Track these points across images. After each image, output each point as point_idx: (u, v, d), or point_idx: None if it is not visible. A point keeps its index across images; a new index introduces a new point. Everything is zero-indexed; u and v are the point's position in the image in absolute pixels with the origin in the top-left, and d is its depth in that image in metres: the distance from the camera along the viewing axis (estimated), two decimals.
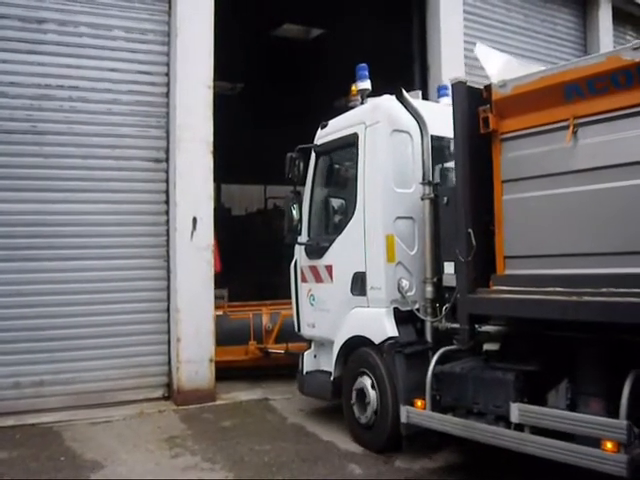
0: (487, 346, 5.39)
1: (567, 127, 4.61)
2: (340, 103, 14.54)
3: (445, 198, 5.81)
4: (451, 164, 6.33)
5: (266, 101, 14.53)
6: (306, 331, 7.02)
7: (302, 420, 7.25)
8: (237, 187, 17.83)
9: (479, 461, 5.68)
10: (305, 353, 7.01)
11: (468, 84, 5.27)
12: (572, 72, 4.61)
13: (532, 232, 4.91)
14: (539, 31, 11.52)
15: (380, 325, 5.96)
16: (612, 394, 4.54)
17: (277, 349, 8.43)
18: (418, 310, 5.94)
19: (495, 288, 5.08)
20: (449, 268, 5.77)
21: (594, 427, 4.37)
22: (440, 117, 6.17)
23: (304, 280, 6.98)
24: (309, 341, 7.17)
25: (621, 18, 12.46)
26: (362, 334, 6.12)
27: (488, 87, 5.09)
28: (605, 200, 4.44)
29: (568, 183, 4.65)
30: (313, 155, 6.86)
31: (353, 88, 6.68)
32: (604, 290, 4.33)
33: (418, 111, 5.94)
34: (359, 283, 6.20)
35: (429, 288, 5.91)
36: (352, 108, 6.68)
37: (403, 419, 5.63)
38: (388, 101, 6.14)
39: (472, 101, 5.21)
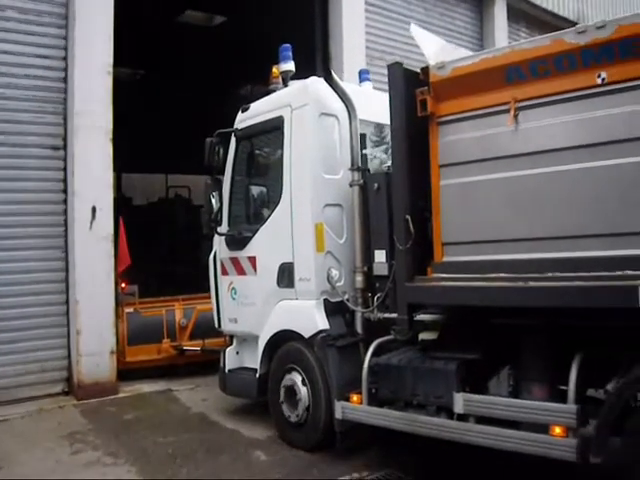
0: (424, 335, 5.18)
1: (508, 110, 4.44)
2: (245, 90, 14.19)
3: (375, 185, 5.49)
4: (377, 150, 6.11)
5: (168, 88, 13.77)
6: (227, 327, 6.52)
7: (206, 410, 7.09)
8: (138, 176, 16.87)
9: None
10: (227, 350, 6.49)
11: (405, 66, 4.99)
12: (514, 55, 4.43)
13: (472, 217, 4.70)
14: (438, 25, 11.57)
15: (310, 318, 5.58)
16: (555, 379, 4.48)
17: (193, 346, 7.86)
18: (348, 301, 5.62)
19: (434, 276, 4.86)
20: (380, 256, 5.49)
21: (543, 413, 4.25)
22: (368, 101, 5.92)
23: (224, 273, 6.47)
24: (230, 337, 6.67)
25: (515, 15, 12.86)
26: (290, 328, 5.72)
27: (425, 69, 4.82)
28: (547, 184, 4.30)
29: (509, 167, 4.48)
30: (233, 140, 6.34)
31: (274, 70, 6.24)
32: (549, 275, 4.21)
33: (347, 94, 5.59)
34: (286, 274, 5.79)
35: (359, 278, 5.60)
36: (274, 91, 6.23)
37: (338, 415, 5.30)
38: (316, 83, 5.75)
39: (409, 84, 4.95)
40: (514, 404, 4.41)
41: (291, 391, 5.74)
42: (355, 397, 5.25)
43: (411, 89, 4.92)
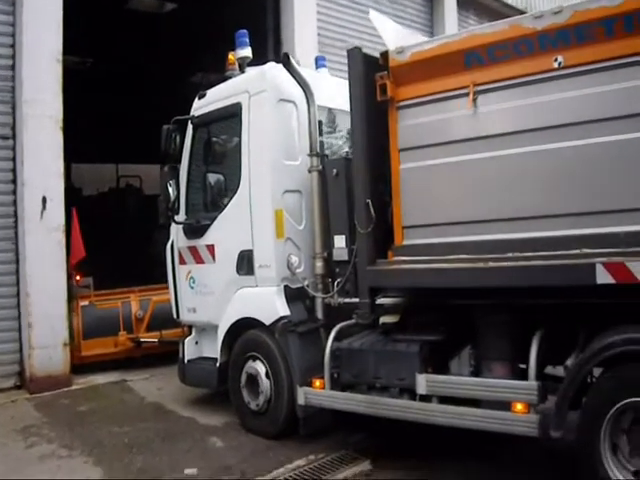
0: (385, 319, 5.17)
1: (467, 94, 4.46)
2: (197, 78, 13.91)
3: (334, 170, 5.45)
4: (332, 136, 6.06)
5: (118, 77, 13.36)
6: (186, 317, 6.38)
7: (161, 399, 7.04)
8: (87, 166, 16.30)
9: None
10: (186, 340, 6.36)
11: (364, 51, 4.96)
12: (473, 39, 4.45)
13: (431, 200, 4.72)
14: (389, 12, 11.36)
15: (271, 305, 5.52)
16: (515, 357, 4.54)
17: (150, 338, 7.68)
18: (309, 287, 5.58)
19: (395, 259, 4.85)
20: (339, 242, 5.46)
21: (505, 390, 4.31)
22: (325, 87, 5.86)
23: (182, 262, 6.33)
24: (189, 327, 6.54)
25: (464, 3, 12.98)
26: (251, 315, 5.64)
27: (385, 54, 4.81)
28: (505, 167, 4.34)
29: (468, 150, 4.51)
30: (190, 127, 6.19)
31: (231, 56, 6.12)
32: (509, 255, 4.26)
33: (305, 80, 5.52)
34: (246, 262, 5.70)
35: (319, 263, 5.57)
36: (230, 77, 6.11)
37: (300, 401, 5.27)
38: (274, 69, 5.66)
39: (368, 69, 4.91)
40: (476, 383, 4.46)
41: (252, 379, 5.67)
42: (318, 382, 5.22)
43: (370, 74, 4.89)
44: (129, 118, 13.93)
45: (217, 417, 6.20)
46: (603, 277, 3.81)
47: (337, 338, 5.21)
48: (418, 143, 4.76)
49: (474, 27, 4.61)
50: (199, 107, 6.17)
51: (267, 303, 5.56)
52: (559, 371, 4.52)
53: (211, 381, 6.04)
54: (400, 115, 4.84)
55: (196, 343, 6.36)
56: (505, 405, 4.33)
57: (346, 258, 5.40)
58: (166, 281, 6.73)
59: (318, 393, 5.21)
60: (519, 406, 4.20)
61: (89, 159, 15.80)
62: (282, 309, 5.49)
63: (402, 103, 4.81)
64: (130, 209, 13.65)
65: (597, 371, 4.11)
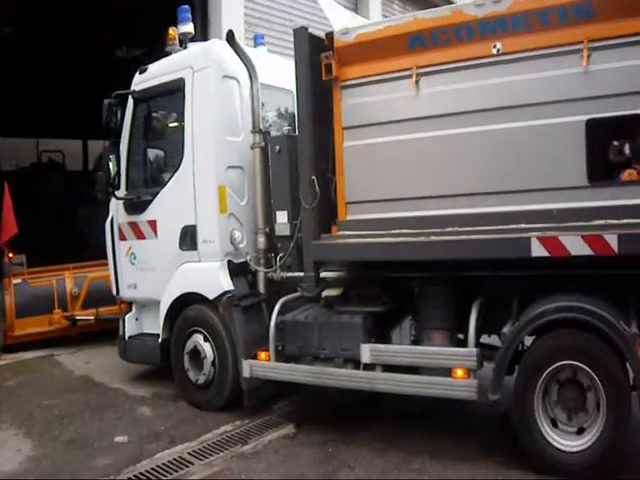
0: (327, 292, 5.24)
1: (410, 76, 4.56)
2: (121, 51, 13.34)
3: (277, 147, 5.46)
4: (271, 113, 6.03)
5: (38, 47, 12.52)
6: (127, 293, 6.23)
7: (89, 372, 7.02)
8: (4, 140, 15.33)
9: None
10: (126, 317, 6.22)
11: (310, 31, 4.94)
12: (417, 24, 4.55)
13: (374, 177, 4.81)
14: None
15: (215, 279, 5.48)
16: (453, 327, 4.76)
17: (86, 316, 7.41)
18: (251, 261, 5.57)
19: (339, 234, 4.93)
20: (282, 217, 5.50)
21: (447, 357, 4.52)
22: (265, 65, 5.80)
23: (122, 238, 6.16)
24: (129, 304, 6.38)
25: None
26: (194, 290, 5.58)
27: (330, 34, 4.82)
28: (446, 145, 4.50)
29: (410, 130, 4.62)
30: (131, 102, 5.98)
31: (171, 32, 5.95)
32: (450, 229, 4.43)
33: (249, 57, 5.45)
34: (189, 237, 5.62)
35: (261, 239, 5.59)
36: (170, 53, 5.92)
37: (246, 374, 5.28)
38: (218, 45, 5.58)
39: (313, 48, 4.92)
40: (419, 351, 4.65)
41: (196, 353, 5.63)
42: (263, 355, 5.25)
43: (315, 54, 4.90)
44: (50, 91, 13.23)
45: (145, 388, 6.26)
46: (538, 250, 4.05)
47: (281, 311, 5.25)
48: (362, 122, 4.84)
49: (418, 12, 4.67)
50: (140, 82, 5.97)
51: (211, 278, 5.51)
52: (493, 340, 4.80)
53: (154, 357, 5.94)
54: (344, 94, 4.89)
55: (136, 319, 6.24)
56: (444, 372, 4.52)
57: (288, 233, 5.46)
58: (98, 257, 6.53)
59: (263, 365, 5.25)
60: (459, 372, 4.40)
61: (6, 133, 14.87)
62: (226, 283, 5.46)
63: (346, 83, 4.87)
64: (53, 185, 12.99)
65: (528, 341, 4.38)
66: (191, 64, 5.58)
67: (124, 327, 6.19)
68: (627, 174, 4.01)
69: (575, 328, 4.04)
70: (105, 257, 6.55)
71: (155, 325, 5.99)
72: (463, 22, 4.36)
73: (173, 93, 5.71)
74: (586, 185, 4.07)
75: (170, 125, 5.87)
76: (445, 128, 4.50)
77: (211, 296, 5.49)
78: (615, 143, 4.03)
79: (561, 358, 4.09)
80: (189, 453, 4.85)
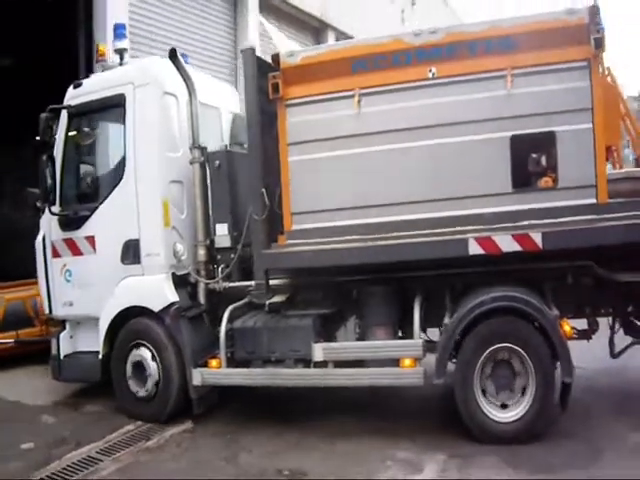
0: (272, 299, 5.43)
1: (352, 96, 4.94)
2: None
3: (217, 162, 5.64)
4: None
5: None
6: (61, 311, 5.96)
7: None
8: None
9: None
10: (60, 335, 5.94)
11: (256, 54, 5.17)
12: (359, 49, 4.98)
13: (318, 189, 5.10)
14: (195, 9, 11.01)
15: (160, 291, 5.47)
16: (395, 322, 5.12)
17: (4, 338, 6.90)
18: (197, 273, 5.61)
19: (287, 242, 5.15)
20: (221, 229, 5.66)
21: (395, 349, 4.89)
22: (201, 84, 5.93)
23: (56, 255, 5.92)
24: (62, 322, 6.10)
25: (265, 7, 12.76)
26: (139, 304, 5.52)
27: (276, 56, 5.11)
28: (385, 159, 4.91)
29: (353, 145, 4.99)
30: (65, 116, 5.80)
31: (101, 48, 5.94)
32: (392, 234, 4.81)
33: (189, 75, 5.57)
34: (131, 251, 5.56)
35: (202, 251, 5.67)
36: (105, 68, 5.89)
37: (196, 382, 5.30)
38: (159, 62, 5.64)
39: (258, 69, 5.16)
40: (370, 345, 4.98)
41: (139, 367, 5.55)
42: (214, 362, 5.31)
43: (260, 75, 5.15)
44: None
45: (45, 398, 6.24)
46: (474, 249, 4.57)
47: (229, 319, 5.34)
48: (305, 138, 5.13)
49: (361, 38, 5.09)
50: (74, 96, 5.83)
51: (156, 290, 5.49)
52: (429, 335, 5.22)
53: (94, 373, 5.72)
54: (289, 112, 5.16)
55: (70, 337, 5.97)
56: (390, 363, 4.87)
57: (229, 245, 5.63)
58: (17, 278, 6.19)
59: (215, 372, 5.31)
60: (407, 361, 4.79)
61: None
62: (171, 295, 5.48)
63: (291, 101, 5.13)
64: None
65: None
66: (132, 80, 5.59)
67: (58, 346, 5.90)
68: (543, 181, 4.68)
69: (508, 315, 4.59)
70: (19, 277, 6.26)
71: (91, 342, 5.82)
72: (402, 49, 4.84)
73: (112, 108, 5.67)
74: (511, 191, 4.67)
75: (108, 140, 5.80)
76: (385, 143, 4.93)
77: (157, 308, 5.46)
78: (534, 155, 4.69)
79: (497, 341, 4.60)
80: (97, 452, 5.01)
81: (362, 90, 4.93)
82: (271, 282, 5.35)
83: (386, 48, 4.87)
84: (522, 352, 4.54)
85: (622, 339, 5.19)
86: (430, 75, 4.78)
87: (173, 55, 5.45)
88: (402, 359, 4.79)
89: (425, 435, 4.87)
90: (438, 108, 4.79)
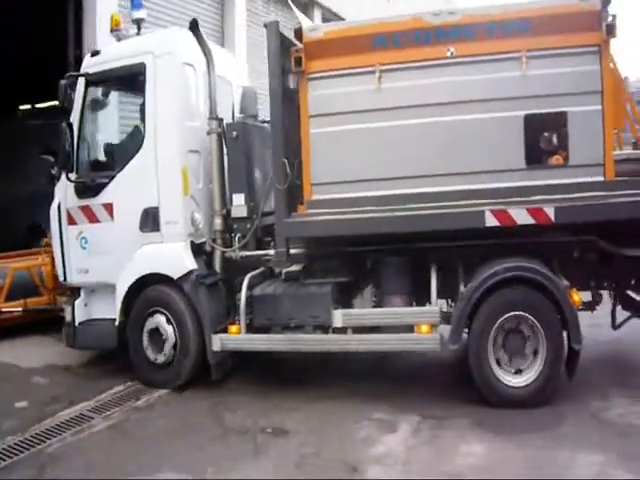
0: (290, 268, 5.62)
1: (373, 72, 5.12)
2: None
3: (234, 133, 5.76)
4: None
5: None
6: (77, 278, 6.02)
7: None
8: None
9: None
10: (75, 303, 6.00)
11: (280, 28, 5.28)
12: (381, 26, 5.15)
13: (339, 161, 5.26)
14: None
15: (180, 259, 5.61)
16: (411, 291, 5.37)
17: (12, 307, 6.89)
18: (214, 242, 5.75)
19: (308, 212, 5.33)
20: (238, 200, 5.80)
21: (413, 316, 5.16)
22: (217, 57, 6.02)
23: (72, 223, 5.96)
24: (72, 290, 6.16)
25: None
26: (158, 271, 5.64)
27: (299, 30, 5.25)
28: (405, 133, 5.12)
29: (373, 119, 5.18)
30: (82, 84, 5.80)
31: (116, 17, 5.92)
32: (411, 206, 5.05)
33: (209, 47, 5.66)
34: (151, 219, 5.66)
35: (218, 220, 5.83)
36: (119, 37, 5.90)
37: (216, 347, 5.50)
38: (178, 33, 5.70)
39: (282, 43, 5.29)
40: (389, 312, 5.23)
41: (156, 334, 5.69)
42: (234, 328, 5.51)
43: (283, 48, 5.28)
44: None
45: (37, 360, 6.46)
46: (491, 221, 4.84)
47: (249, 287, 5.52)
48: (327, 111, 5.29)
49: (383, 16, 5.23)
50: (92, 65, 5.85)
51: (175, 258, 5.62)
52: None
53: (109, 341, 5.83)
54: (310, 86, 5.30)
55: (85, 305, 6.05)
56: (406, 329, 5.15)
57: (245, 214, 5.78)
58: (21, 248, 6.20)
59: (235, 338, 5.51)
60: (424, 327, 5.07)
61: None
62: (190, 263, 5.62)
63: (313, 75, 5.28)
64: None
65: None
66: (152, 50, 5.64)
67: (73, 313, 5.98)
68: (555, 159, 4.96)
69: (521, 285, 4.89)
70: (25, 247, 6.27)
71: (105, 310, 5.95)
72: (422, 28, 5.04)
73: (132, 77, 5.72)
74: (524, 168, 4.95)
75: (126, 107, 5.84)
76: (404, 119, 5.13)
77: (176, 275, 5.60)
78: (546, 134, 4.96)
79: (510, 310, 4.90)
80: (88, 410, 5.33)
81: (382, 66, 5.11)
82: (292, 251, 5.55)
83: (406, 26, 5.07)
84: (534, 320, 4.85)
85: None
86: (449, 54, 5.00)
87: (195, 26, 5.52)
88: (419, 325, 5.08)
89: (402, 398, 5.23)
90: (455, 86, 5.03)
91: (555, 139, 4.94)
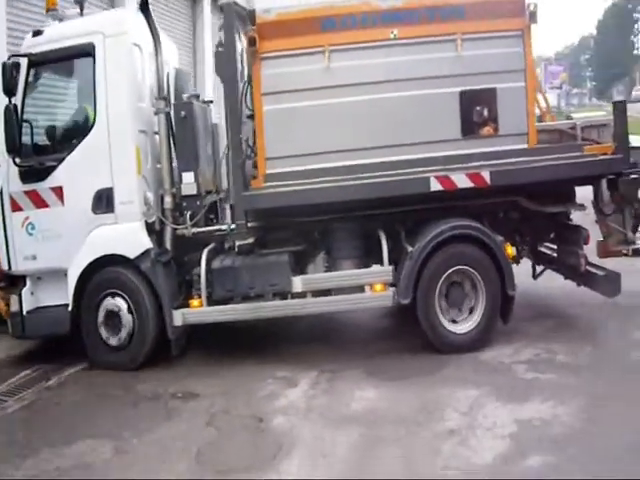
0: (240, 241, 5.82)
1: (323, 52, 5.50)
2: None
3: (182, 112, 5.88)
4: None
5: None
6: (22, 266, 5.80)
7: None
8: None
9: None
10: (23, 291, 5.79)
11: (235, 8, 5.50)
12: (330, 9, 5.53)
13: (291, 136, 5.58)
14: None
15: (137, 239, 5.67)
16: (361, 255, 5.81)
17: None
18: (167, 219, 5.83)
19: (264, 185, 5.58)
20: (188, 178, 5.94)
21: (368, 276, 5.63)
22: None
23: (17, 209, 5.74)
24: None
25: None
26: (114, 252, 5.65)
27: (252, 12, 5.52)
28: (353, 109, 5.57)
29: (322, 96, 5.57)
30: (25, 64, 5.60)
31: None
32: (361, 175, 5.46)
33: (157, 28, 5.74)
34: (104, 200, 5.64)
35: (168, 199, 5.94)
36: (56, 18, 5.80)
37: (178, 322, 5.63)
38: (129, 13, 5.70)
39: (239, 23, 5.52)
40: (346, 274, 5.67)
41: (112, 316, 5.69)
42: (195, 302, 5.66)
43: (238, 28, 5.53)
44: None
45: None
46: (435, 186, 5.40)
47: (207, 261, 5.68)
48: (279, 89, 5.59)
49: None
50: (34, 44, 5.67)
51: (132, 238, 5.67)
52: None
53: (62, 326, 5.70)
54: (263, 65, 5.57)
55: (32, 294, 5.85)
56: (357, 290, 5.63)
57: (195, 192, 5.93)
58: None
59: (197, 311, 5.68)
60: (378, 286, 5.56)
61: None
62: (147, 242, 5.69)
63: (265, 55, 5.55)
64: None
65: None
66: (101, 30, 5.63)
67: (20, 303, 5.76)
68: (485, 130, 5.62)
69: (463, 241, 5.50)
70: None
71: (53, 297, 5.85)
72: (369, 11, 5.51)
73: (79, 57, 5.68)
74: (460, 138, 5.57)
75: (72, 88, 5.75)
76: (352, 95, 5.57)
77: (133, 255, 5.64)
78: (477, 108, 5.59)
79: (454, 264, 5.51)
80: (0, 394, 5.42)
81: (331, 47, 5.51)
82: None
83: (355, 10, 5.51)
84: (475, 272, 5.49)
85: None
86: (392, 36, 5.51)
87: (145, 7, 5.59)
88: (374, 284, 5.55)
89: (302, 357, 5.73)
90: (398, 65, 5.56)
91: (486, 112, 5.58)
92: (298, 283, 5.58)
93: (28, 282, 5.91)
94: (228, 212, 6.43)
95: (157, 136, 5.98)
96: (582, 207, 5.80)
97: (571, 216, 6.10)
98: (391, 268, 5.56)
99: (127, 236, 5.68)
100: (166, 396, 5.18)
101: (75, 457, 4.28)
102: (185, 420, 4.75)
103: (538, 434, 4.06)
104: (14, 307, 5.84)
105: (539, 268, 6.55)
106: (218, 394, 5.13)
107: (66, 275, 5.74)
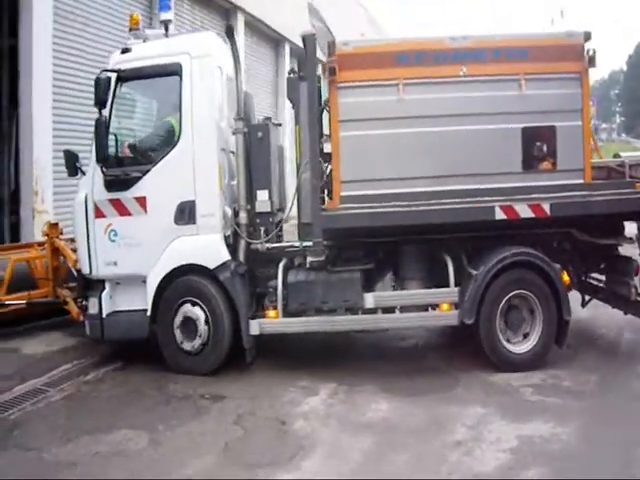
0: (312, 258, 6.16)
1: (397, 85, 5.92)
2: None
3: (259, 133, 6.26)
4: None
5: None
6: (103, 271, 6.09)
7: None
8: None
9: None
10: (102, 295, 6.07)
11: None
12: (405, 45, 6.00)
13: (365, 161, 5.97)
14: None
15: (216, 250, 6.02)
16: (426, 276, 6.21)
17: (15, 300, 6.61)
18: (243, 234, 6.15)
19: (340, 206, 5.93)
20: (262, 196, 6.30)
21: (436, 296, 6.05)
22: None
23: (100, 216, 6.04)
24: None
25: None
26: (194, 262, 5.99)
27: (332, 43, 5.89)
28: (423, 139, 5.98)
29: (395, 126, 5.99)
30: (113, 80, 5.92)
31: (135, 16, 6.14)
32: (430, 202, 5.88)
33: (238, 52, 6.08)
34: (187, 212, 5.96)
35: (243, 214, 6.28)
36: (138, 37, 6.14)
37: (254, 332, 5.98)
38: (212, 37, 6.08)
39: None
40: (415, 293, 6.08)
41: (189, 323, 6.00)
42: (272, 313, 6.00)
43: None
44: None
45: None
46: (499, 214, 5.86)
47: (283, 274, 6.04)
48: (355, 117, 5.99)
49: (407, 37, 6.00)
50: (122, 61, 6.03)
51: (212, 249, 6.01)
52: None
53: (141, 331, 6.02)
54: (341, 93, 5.97)
55: (110, 297, 6.12)
56: (425, 309, 6.06)
57: (269, 209, 6.31)
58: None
59: (273, 322, 6.04)
60: (445, 306, 5.98)
61: None
62: (226, 254, 6.03)
63: (343, 84, 5.95)
64: None
65: None
66: (189, 51, 6.00)
67: (100, 305, 6.04)
68: (545, 165, 6.10)
69: (522, 268, 5.95)
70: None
71: (130, 301, 6.15)
72: (442, 49, 5.96)
73: (167, 75, 6.03)
74: (521, 172, 6.03)
75: (159, 105, 6.03)
76: (423, 126, 6.00)
77: (212, 266, 5.98)
78: (538, 144, 6.07)
79: (515, 288, 5.97)
80: (42, 385, 5.84)
81: (405, 80, 5.92)
82: (309, 243, 6.11)
83: (428, 47, 5.97)
84: (533, 297, 5.94)
85: None
86: (461, 73, 5.96)
87: (230, 33, 5.94)
88: (441, 304, 5.98)
89: (321, 370, 6.14)
90: (466, 100, 6.00)
91: (546, 148, 6.06)
92: (370, 299, 5.98)
93: (107, 286, 6.18)
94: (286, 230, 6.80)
95: (232, 154, 6.36)
96: (631, 240, 6.32)
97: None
98: (457, 289, 5.98)
99: (208, 247, 6.02)
100: (195, 396, 5.62)
101: (113, 444, 4.74)
102: (213, 418, 5.22)
103: (538, 449, 4.49)
104: (93, 309, 6.15)
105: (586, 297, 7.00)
106: (244, 397, 5.58)
107: (143, 281, 6.03)
